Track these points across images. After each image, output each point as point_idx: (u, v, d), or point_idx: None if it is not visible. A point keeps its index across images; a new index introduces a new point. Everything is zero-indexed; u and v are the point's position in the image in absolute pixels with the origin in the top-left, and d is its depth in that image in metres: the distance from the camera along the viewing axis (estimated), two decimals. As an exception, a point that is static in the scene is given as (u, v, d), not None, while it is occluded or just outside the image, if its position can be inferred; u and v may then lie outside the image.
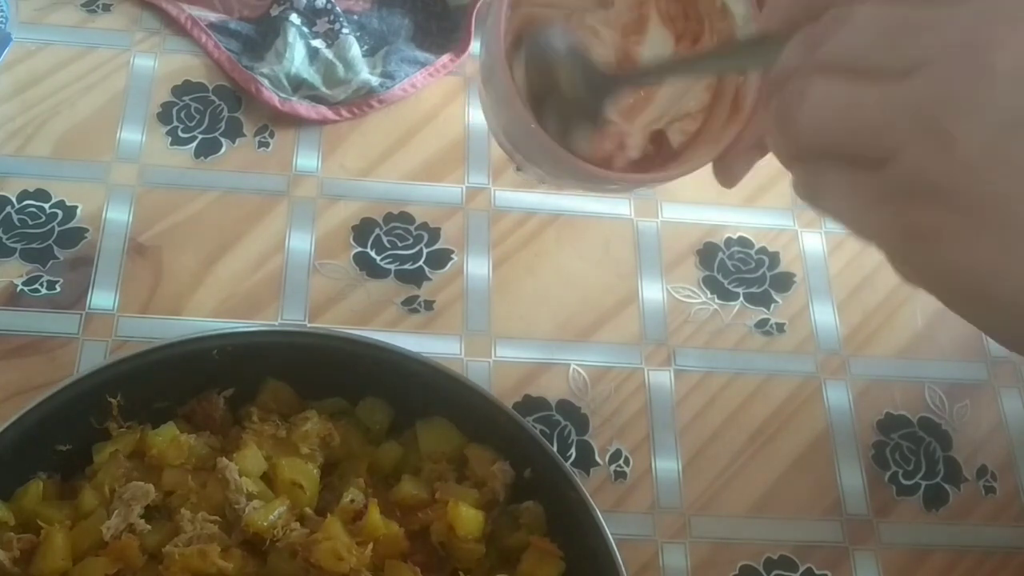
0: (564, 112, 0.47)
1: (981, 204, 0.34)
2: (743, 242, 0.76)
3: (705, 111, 0.50)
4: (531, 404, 0.68)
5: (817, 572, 0.65)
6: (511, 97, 0.45)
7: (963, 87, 0.34)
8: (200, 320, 0.68)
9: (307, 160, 0.75)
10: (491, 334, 0.70)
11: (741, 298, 0.74)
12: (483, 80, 0.49)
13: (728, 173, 0.48)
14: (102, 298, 0.68)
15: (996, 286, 0.36)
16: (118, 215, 0.71)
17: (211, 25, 0.79)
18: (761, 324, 0.73)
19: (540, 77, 0.47)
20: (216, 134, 0.76)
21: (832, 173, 0.38)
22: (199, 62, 0.78)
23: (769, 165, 0.82)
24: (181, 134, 0.75)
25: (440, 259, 0.73)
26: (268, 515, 0.56)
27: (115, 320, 0.68)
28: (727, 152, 0.48)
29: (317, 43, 0.77)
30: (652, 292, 0.73)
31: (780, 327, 0.73)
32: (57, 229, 0.70)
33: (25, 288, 0.68)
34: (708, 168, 0.80)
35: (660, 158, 0.50)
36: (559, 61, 0.47)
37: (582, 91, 0.47)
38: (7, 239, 0.70)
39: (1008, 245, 0.35)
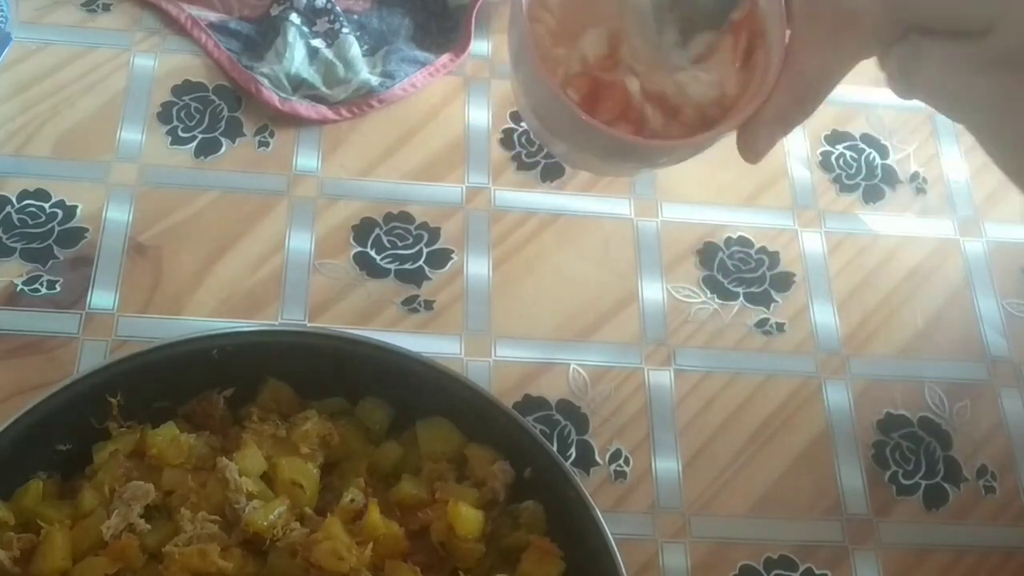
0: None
1: None
2: (743, 242, 0.76)
3: (727, 84, 0.49)
4: (531, 404, 0.68)
5: (817, 572, 0.65)
6: (541, 77, 0.46)
7: None
8: (200, 320, 0.68)
9: (307, 160, 0.75)
10: (491, 334, 0.70)
11: (741, 298, 0.74)
12: (512, 61, 0.49)
13: (751, 147, 0.48)
14: (102, 298, 0.68)
15: None
16: (118, 215, 0.71)
17: (211, 25, 0.79)
18: (761, 324, 0.73)
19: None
20: (216, 134, 0.76)
21: (930, 48, 0.39)
22: (199, 62, 0.78)
23: (768, 165, 0.83)
24: (181, 134, 0.75)
25: (440, 259, 0.73)
26: (268, 515, 0.56)
27: (115, 320, 0.68)
28: (750, 124, 0.47)
29: (317, 43, 0.77)
30: (652, 292, 0.73)
31: (780, 327, 0.73)
32: (57, 229, 0.70)
33: (25, 288, 0.68)
34: (707, 168, 0.81)
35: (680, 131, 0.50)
36: None
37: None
38: (7, 239, 0.70)
39: None
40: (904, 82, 0.41)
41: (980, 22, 0.37)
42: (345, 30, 0.77)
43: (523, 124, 0.79)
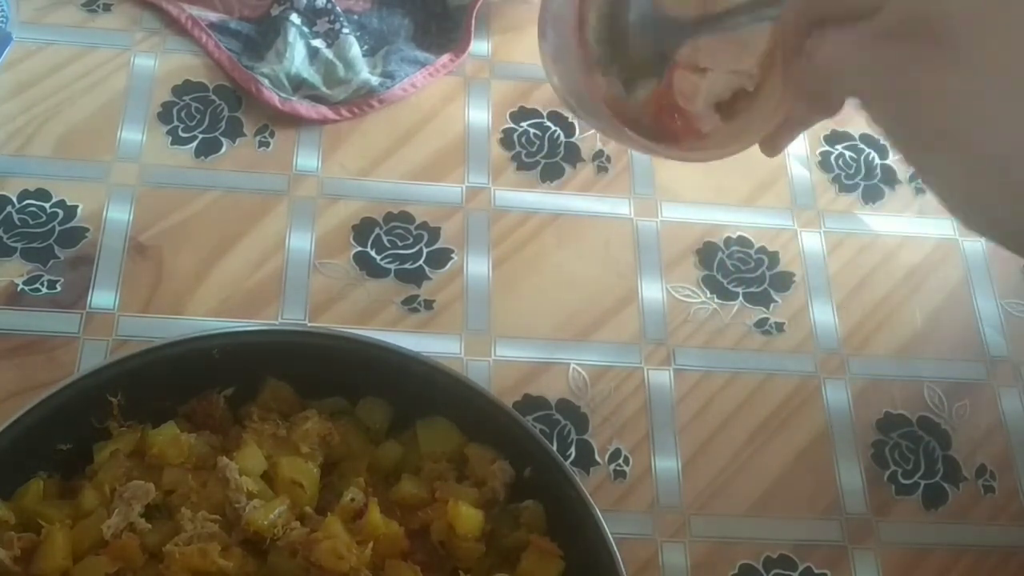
0: (631, 65, 0.51)
1: (954, 38, 0.39)
2: (742, 242, 0.76)
3: (754, 85, 0.51)
4: (531, 403, 0.68)
5: (816, 571, 0.66)
6: (583, 75, 0.49)
7: None
8: (200, 319, 0.68)
9: (307, 160, 0.76)
10: (491, 334, 0.71)
11: (740, 297, 0.74)
12: (550, 53, 0.51)
13: (773, 145, 0.52)
14: (103, 297, 0.68)
15: (963, 129, 0.40)
16: (119, 214, 0.72)
17: (211, 25, 0.79)
18: (760, 323, 0.73)
19: (609, 30, 0.50)
20: (216, 134, 0.76)
21: (830, 34, 0.43)
22: (199, 62, 0.78)
23: (768, 165, 0.83)
24: (181, 134, 0.75)
25: (440, 259, 0.73)
26: (268, 514, 0.56)
27: (115, 319, 0.68)
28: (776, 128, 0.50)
29: (317, 43, 0.77)
30: (652, 291, 0.73)
31: (779, 326, 0.73)
32: (58, 228, 0.70)
33: (26, 287, 0.68)
34: (706, 168, 0.81)
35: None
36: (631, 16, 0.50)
37: (651, 39, 0.50)
38: (8, 238, 0.70)
39: (972, 75, 0.39)
40: (814, 75, 0.45)
41: (869, 6, 0.41)
42: (345, 30, 0.77)
43: (523, 124, 0.79)
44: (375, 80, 0.77)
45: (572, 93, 0.52)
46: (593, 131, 0.79)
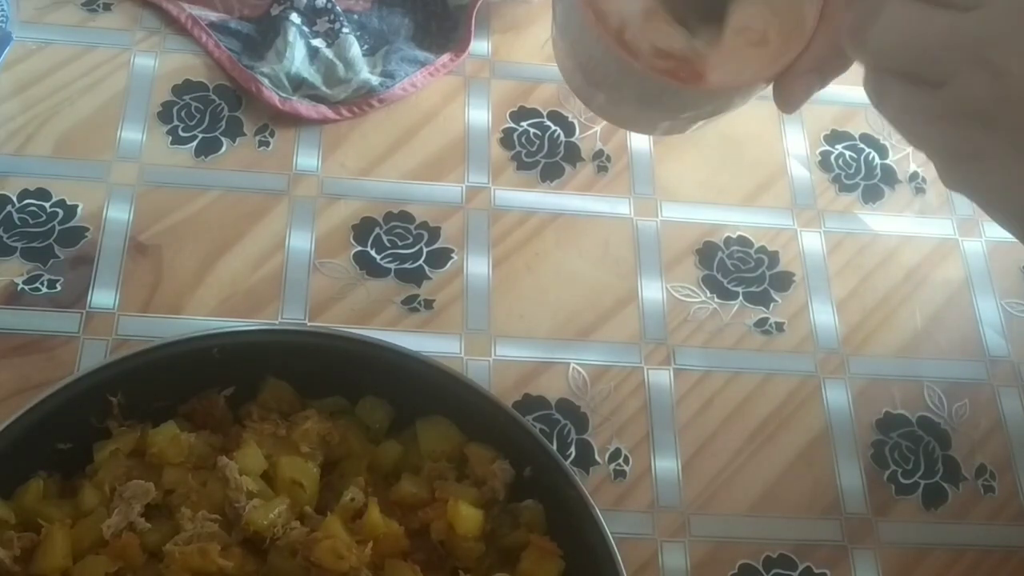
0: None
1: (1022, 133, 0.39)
2: (742, 241, 0.76)
3: (768, 30, 0.50)
4: (531, 403, 0.69)
5: (816, 571, 0.66)
6: (591, 25, 0.48)
7: (1018, 27, 0.38)
8: (200, 319, 0.68)
9: (307, 159, 0.76)
10: (491, 333, 0.71)
11: (740, 297, 0.74)
12: (560, 19, 0.51)
13: (787, 97, 0.49)
14: (103, 297, 0.68)
15: None
16: (118, 214, 0.72)
17: (211, 24, 0.79)
18: (760, 323, 0.73)
19: None
20: (216, 133, 0.76)
21: (895, 87, 0.42)
22: (199, 61, 0.78)
23: (768, 165, 0.83)
24: (181, 133, 0.75)
25: (440, 258, 0.73)
26: (268, 514, 0.56)
27: (115, 319, 0.68)
28: (787, 74, 0.48)
29: (317, 42, 0.77)
30: (652, 291, 0.73)
31: (779, 326, 0.73)
32: (58, 228, 0.70)
33: (26, 287, 0.68)
34: (706, 168, 0.81)
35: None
36: None
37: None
38: (8, 238, 0.70)
39: None
40: (875, 107, 0.45)
41: (935, 76, 0.40)
42: (345, 30, 0.77)
43: (523, 123, 0.79)
44: (375, 80, 0.77)
45: (582, 52, 0.51)
46: (593, 131, 0.79)
